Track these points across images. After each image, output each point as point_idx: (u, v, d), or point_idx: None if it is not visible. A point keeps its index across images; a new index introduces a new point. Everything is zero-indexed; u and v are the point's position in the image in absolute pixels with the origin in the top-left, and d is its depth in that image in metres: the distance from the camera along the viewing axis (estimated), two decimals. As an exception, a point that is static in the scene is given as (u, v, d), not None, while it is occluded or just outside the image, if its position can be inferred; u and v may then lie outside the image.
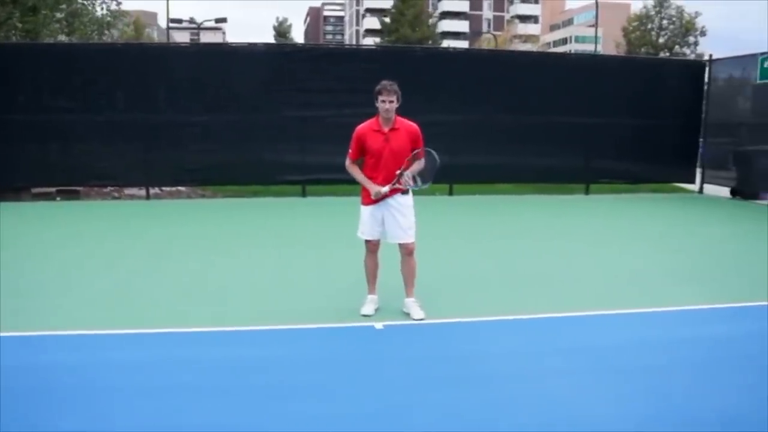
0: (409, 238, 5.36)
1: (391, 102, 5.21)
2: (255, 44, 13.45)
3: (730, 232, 10.27)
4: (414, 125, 5.38)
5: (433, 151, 5.38)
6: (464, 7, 78.13)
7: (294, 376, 4.13)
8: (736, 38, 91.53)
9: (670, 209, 12.72)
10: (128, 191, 13.10)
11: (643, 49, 54.84)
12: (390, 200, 5.32)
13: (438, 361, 4.43)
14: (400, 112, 5.35)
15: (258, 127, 12.63)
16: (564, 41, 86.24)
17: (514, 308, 5.61)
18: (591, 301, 5.95)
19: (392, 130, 5.31)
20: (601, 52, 54.73)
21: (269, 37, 63.22)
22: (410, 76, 13.03)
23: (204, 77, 12.53)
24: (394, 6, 52.90)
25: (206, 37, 58.68)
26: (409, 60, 13.53)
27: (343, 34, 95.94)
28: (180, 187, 13.29)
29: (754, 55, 13.67)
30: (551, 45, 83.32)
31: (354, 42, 76.65)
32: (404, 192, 5.36)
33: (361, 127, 5.41)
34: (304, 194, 13.10)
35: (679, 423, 3.60)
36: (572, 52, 69.41)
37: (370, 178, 5.32)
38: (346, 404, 3.77)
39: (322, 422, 3.54)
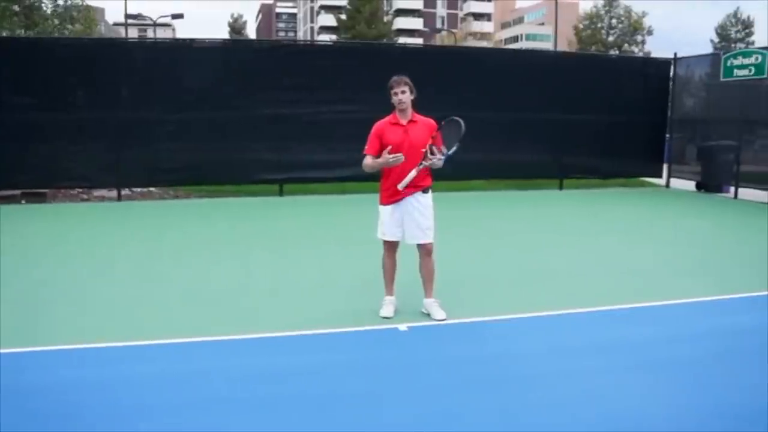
0: (428, 239, 5.30)
1: (404, 92, 5.15)
2: (230, 41, 13.25)
3: (711, 224, 10.59)
4: (431, 120, 5.32)
5: (456, 118, 5.22)
6: (418, 4, 78.39)
7: (333, 384, 4.03)
8: (676, 37, 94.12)
9: (647, 203, 13.01)
10: (97, 193, 12.69)
11: (593, 48, 56.02)
12: (410, 199, 5.24)
13: (473, 362, 4.39)
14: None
15: (234, 125, 12.36)
16: (515, 39, 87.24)
17: (530, 305, 5.61)
18: (602, 295, 6.02)
19: (410, 122, 5.25)
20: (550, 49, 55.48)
21: (224, 34, 62.22)
22: (387, 73, 12.97)
23: (177, 74, 12.18)
24: (350, 3, 52.71)
25: (156, 34, 57.38)
26: (385, 57, 13.45)
27: (295, 32, 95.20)
28: (151, 188, 12.94)
29: (717, 54, 14.08)
30: (503, 43, 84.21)
31: (309, 39, 76.20)
32: (424, 191, 5.30)
33: (379, 123, 5.33)
34: (281, 193, 12.91)
35: (720, 413, 3.66)
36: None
37: (389, 173, 5.22)
38: (397, 410, 3.69)
39: (379, 428, 3.47)
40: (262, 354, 4.55)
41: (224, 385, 3.97)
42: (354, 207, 11.80)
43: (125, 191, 12.47)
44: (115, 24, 57.01)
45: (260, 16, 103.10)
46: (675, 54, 15.14)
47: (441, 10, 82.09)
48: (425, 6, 79.28)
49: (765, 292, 6.17)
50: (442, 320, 5.17)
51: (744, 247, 8.71)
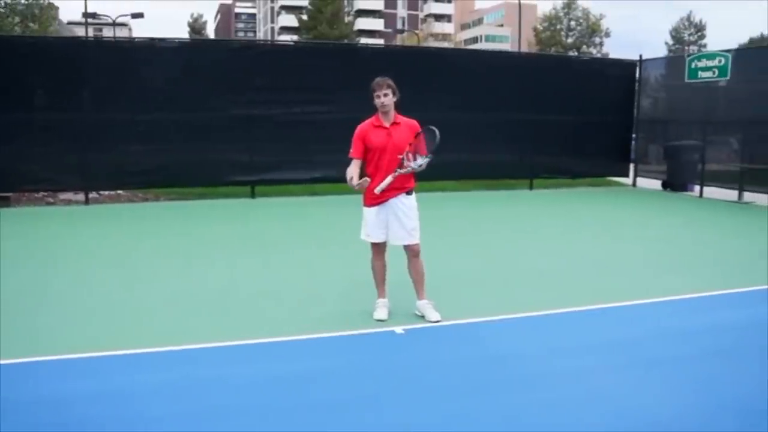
0: (414, 240, 5.27)
1: (386, 95, 5.13)
2: (201, 40, 13.04)
3: (681, 222, 10.80)
4: (413, 121, 5.32)
5: (431, 127, 5.20)
6: (379, 5, 78.42)
7: (333, 390, 3.95)
8: (632, 39, 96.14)
9: (617, 202, 13.26)
10: (63, 196, 12.34)
11: (552, 49, 56.82)
12: (394, 201, 5.22)
13: (473, 364, 4.37)
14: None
15: (204, 126, 12.14)
16: (475, 40, 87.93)
17: (521, 305, 5.62)
18: (590, 294, 6.05)
19: (394, 125, 5.23)
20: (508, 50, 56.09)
21: (183, 34, 61.33)
22: (359, 73, 12.91)
23: (147, 74, 11.93)
24: (312, 3, 52.51)
25: (110, 33, 56.28)
26: (357, 58, 13.42)
27: (255, 32, 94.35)
28: (119, 191, 12.65)
29: (682, 56, 14.36)
30: (463, 44, 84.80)
31: (280, 40, 75.62)
32: (408, 192, 5.28)
33: (361, 126, 5.31)
34: (253, 195, 12.75)
35: (723, 409, 3.71)
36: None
37: (372, 175, 5.20)
38: (402, 414, 3.64)
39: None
40: (257, 361, 4.45)
41: (221, 393, 3.86)
42: (329, 208, 11.76)
43: (92, 194, 12.16)
44: (70, 23, 55.63)
45: (219, 16, 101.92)
46: (640, 56, 15.42)
47: (402, 11, 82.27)
48: (386, 7, 79.37)
49: (746, 289, 6.33)
50: (437, 321, 5.14)
51: (716, 245, 8.92)
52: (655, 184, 15.20)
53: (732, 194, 13.16)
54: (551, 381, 4.10)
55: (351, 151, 5.31)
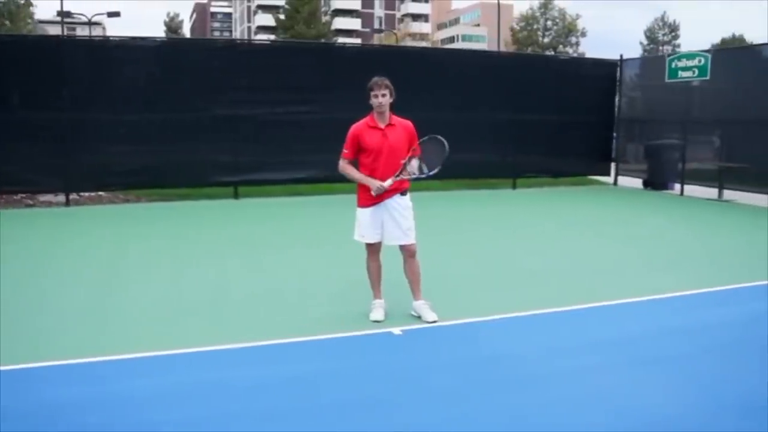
0: (410, 240, 5.25)
1: (384, 95, 5.11)
2: (184, 39, 12.88)
3: (665, 220, 10.86)
4: (408, 122, 5.30)
5: (440, 137, 5.25)
6: (356, 5, 78.30)
7: (334, 393, 3.91)
8: (608, 39, 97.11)
9: (600, 201, 13.35)
10: (43, 198, 12.11)
11: (529, 49, 57.22)
12: (389, 201, 5.20)
13: (474, 364, 4.36)
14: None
15: (187, 126, 12.01)
16: (451, 39, 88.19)
17: (516, 305, 5.61)
18: (585, 293, 6.06)
19: (389, 126, 5.21)
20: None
21: (160, 33, 60.71)
22: (342, 73, 12.91)
23: (128, 73, 11.75)
24: (289, 3, 52.30)
25: (84, 32, 55.57)
26: (340, 58, 13.38)
27: (231, 31, 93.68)
28: (100, 192, 12.46)
29: (662, 56, 14.51)
30: (440, 43, 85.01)
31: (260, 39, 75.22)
32: (403, 193, 5.26)
33: (356, 126, 5.27)
34: (236, 196, 12.63)
35: (727, 406, 3.74)
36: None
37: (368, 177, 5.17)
38: (407, 416, 3.62)
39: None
40: (256, 364, 4.38)
41: (222, 397, 3.80)
42: (314, 209, 11.69)
43: (72, 196, 11.95)
44: (41, 22, 54.80)
45: (194, 15, 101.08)
46: (621, 56, 15.55)
47: (379, 11, 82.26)
48: (363, 6, 79.31)
49: (736, 286, 6.39)
50: (434, 322, 5.12)
51: (702, 243, 9.02)
52: (636, 182, 15.32)
53: (712, 192, 13.31)
54: (553, 381, 4.10)
55: (344, 151, 5.25)
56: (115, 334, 4.89)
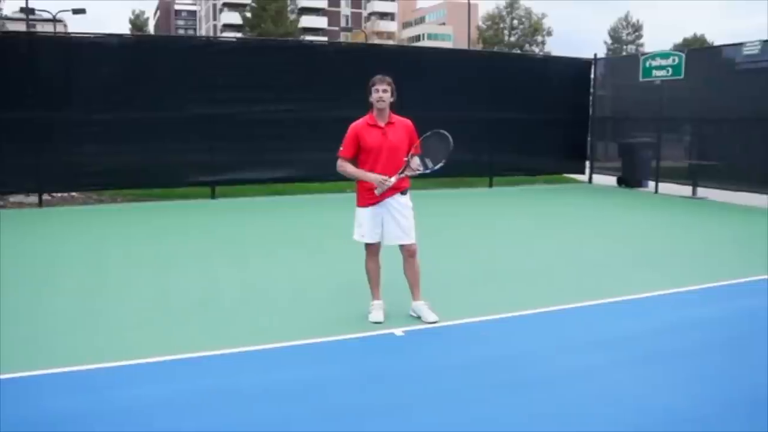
0: (410, 239, 5.20)
1: (385, 92, 5.05)
2: (160, 36, 12.62)
3: (643, 218, 10.99)
4: (408, 120, 5.25)
5: (443, 131, 5.20)
6: (322, 3, 77.92)
7: (342, 397, 3.83)
8: (574, 38, 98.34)
9: (577, 199, 13.45)
10: (14, 198, 11.75)
11: (496, 48, 57.62)
12: (389, 200, 5.13)
13: (481, 365, 4.31)
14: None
15: (163, 125, 11.77)
16: (417, 38, 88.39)
17: (513, 304, 5.60)
18: (579, 291, 6.06)
19: (389, 124, 5.15)
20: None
21: (124, 31, 59.65)
22: (320, 72, 12.82)
23: (103, 71, 11.46)
24: (255, 1, 51.94)
25: (45, 29, 54.28)
26: (318, 56, 13.25)
27: (195, 29, 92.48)
28: (73, 193, 12.16)
29: (636, 55, 14.69)
30: (406, 42, 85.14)
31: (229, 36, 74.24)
32: (403, 192, 5.20)
33: (355, 124, 5.19)
34: (213, 196, 12.44)
35: (735, 400, 3.76)
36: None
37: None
38: (421, 420, 3.56)
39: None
40: (258, 370, 4.25)
41: (230, 406, 3.68)
42: (295, 209, 11.57)
43: (45, 196, 11.64)
44: (3, 18, 53.38)
45: (158, 12, 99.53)
46: (595, 55, 15.72)
47: (345, 9, 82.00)
48: (329, 5, 78.99)
49: (726, 282, 6.48)
50: (434, 322, 5.07)
51: (682, 240, 9.13)
52: (610, 180, 15.51)
53: (686, 190, 13.52)
54: (563, 381, 4.07)
55: (341, 149, 5.17)
56: (108, 341, 4.72)
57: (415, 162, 5.13)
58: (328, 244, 8.44)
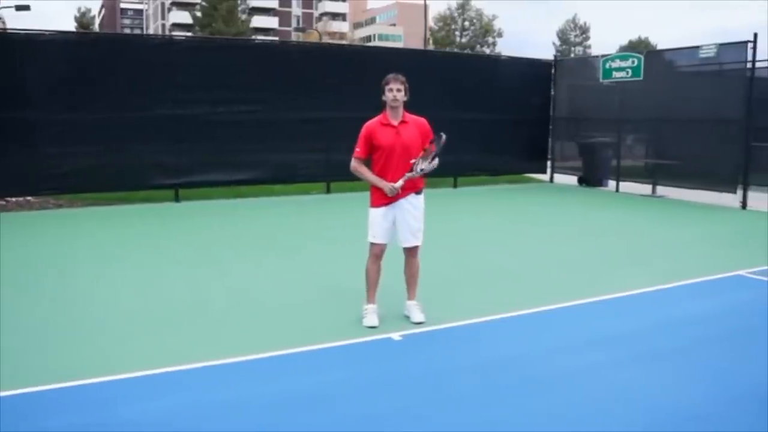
0: (417, 242, 5.19)
1: (399, 90, 4.99)
2: (122, 35, 12.23)
3: (609, 216, 11.20)
4: (422, 119, 5.18)
5: (441, 134, 5.12)
6: (273, 3, 77.15)
7: (360, 404, 3.77)
8: (524, 39, 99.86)
9: (542, 198, 13.56)
10: (-36, 204, 11.25)
11: (447, 48, 57.99)
12: (403, 201, 5.09)
13: (481, 368, 4.29)
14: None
15: (125, 126, 11.39)
16: (368, 39, 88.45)
17: (503, 305, 5.60)
18: (564, 290, 6.09)
19: (402, 123, 5.08)
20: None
21: (70, 29, 57.92)
22: (284, 72, 12.64)
23: (60, 70, 11.02)
24: (206, 0, 51.19)
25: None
26: (283, 56, 13.09)
27: (142, 29, 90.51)
28: (29, 197, 11.70)
29: (596, 57, 14.95)
30: (357, 43, 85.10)
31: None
32: (418, 192, 5.14)
33: (369, 124, 5.12)
34: (177, 199, 12.13)
35: (738, 394, 3.83)
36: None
37: (381, 176, 5.04)
38: (445, 424, 3.51)
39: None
40: (258, 380, 4.12)
41: (236, 418, 3.56)
42: (260, 211, 11.37)
43: (-1, 201, 11.17)
44: None
45: (103, 11, 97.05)
46: (555, 56, 15.93)
47: (296, 9, 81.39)
48: (280, 5, 78.30)
49: (704, 279, 6.64)
50: (420, 323, 5.07)
51: (652, 238, 9.31)
52: (571, 180, 15.74)
53: (646, 188, 13.82)
54: (567, 381, 4.09)
55: (357, 150, 5.09)
56: (92, 354, 4.51)
57: (426, 161, 5.01)
58: (304, 247, 8.31)
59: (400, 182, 4.96)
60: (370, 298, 5.20)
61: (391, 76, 5.03)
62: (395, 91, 4.96)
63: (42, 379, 3.97)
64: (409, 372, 4.24)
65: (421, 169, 5.00)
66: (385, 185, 4.97)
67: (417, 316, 5.13)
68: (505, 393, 3.93)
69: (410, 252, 5.21)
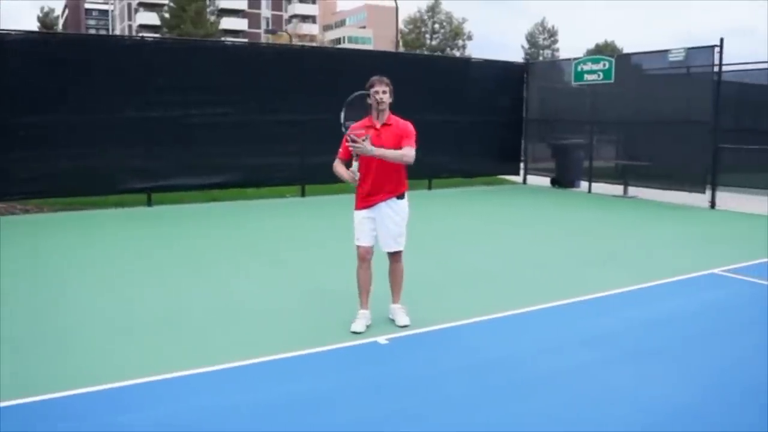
0: (399, 247, 5.16)
1: (384, 93, 4.97)
2: (92, 36, 12.01)
3: (584, 217, 11.30)
4: (407, 122, 5.13)
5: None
6: (242, 5, 76.54)
7: (352, 409, 3.73)
8: (494, 42, 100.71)
9: (516, 200, 13.73)
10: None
11: (417, 51, 58.15)
12: (383, 205, 5.06)
13: (470, 371, 4.29)
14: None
15: (96, 129, 11.20)
16: (338, 41, 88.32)
17: (488, 306, 5.62)
18: (546, 291, 6.13)
19: (385, 125, 5.03)
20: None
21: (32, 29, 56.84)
22: (257, 74, 12.54)
23: (27, 71, 10.76)
24: (174, 1, 50.61)
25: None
26: (257, 58, 12.99)
27: (107, 29, 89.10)
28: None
29: (569, 60, 15.11)
30: (327, 45, 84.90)
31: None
32: (400, 196, 5.11)
33: (353, 125, 5.06)
34: (149, 203, 11.96)
35: (728, 391, 3.89)
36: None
37: (364, 177, 5.01)
38: (443, 428, 3.50)
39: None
40: (246, 387, 4.06)
41: (230, 425, 3.52)
42: (237, 216, 11.23)
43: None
44: None
45: (66, 11, 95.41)
46: (527, 58, 16.06)
47: (266, 12, 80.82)
48: (250, 7, 77.72)
49: (680, 277, 6.74)
50: (405, 326, 5.05)
51: (626, 238, 9.42)
52: (544, 181, 15.89)
53: (617, 189, 14.01)
54: (557, 381, 4.10)
55: (339, 150, 5.07)
56: (75, 365, 4.39)
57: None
58: (283, 251, 8.25)
59: (354, 167, 4.92)
60: (363, 304, 5.16)
61: (375, 78, 5.00)
62: (380, 93, 4.94)
63: (13, 393, 3.86)
64: (399, 376, 4.22)
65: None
66: (343, 174, 5.00)
67: (402, 319, 5.12)
68: (498, 394, 3.93)
69: (393, 257, 5.19)
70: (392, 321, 5.16)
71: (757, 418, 3.60)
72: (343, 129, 4.93)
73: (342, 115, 4.93)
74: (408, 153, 4.92)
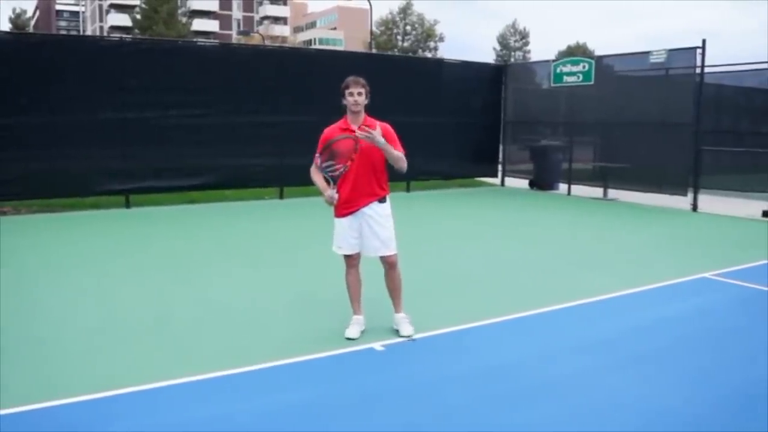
0: (390, 251, 4.98)
1: (360, 94, 4.81)
2: (70, 36, 11.75)
3: (566, 220, 11.30)
4: (386, 124, 5.00)
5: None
6: (214, 6, 75.87)
7: (351, 419, 3.63)
8: (466, 43, 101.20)
9: (497, 202, 13.74)
10: None
11: (389, 53, 58.17)
12: (366, 210, 4.92)
13: (473, 378, 4.20)
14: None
15: (72, 130, 10.96)
16: (309, 43, 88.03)
17: (478, 312, 5.54)
18: (536, 296, 6.10)
19: (364, 128, 4.90)
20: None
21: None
22: (235, 75, 12.37)
23: (2, 72, 10.52)
24: (147, 3, 50.05)
25: None
26: (235, 59, 12.82)
27: (79, 31, 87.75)
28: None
29: (547, 62, 15.16)
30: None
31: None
32: (381, 200, 5.00)
33: (328, 129, 4.96)
34: (128, 205, 11.71)
35: (724, 395, 3.87)
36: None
37: (342, 183, 4.85)
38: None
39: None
40: (241, 396, 3.93)
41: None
42: (217, 218, 11.04)
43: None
44: None
45: (37, 12, 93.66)
46: (506, 60, 16.11)
47: (237, 13, 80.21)
48: (221, 8, 77.09)
49: (670, 282, 6.74)
50: (409, 336, 4.90)
51: (611, 241, 9.43)
52: (522, 183, 15.91)
53: (597, 191, 14.05)
54: (558, 388, 4.04)
55: (316, 155, 4.92)
56: (56, 374, 4.22)
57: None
58: (268, 254, 8.11)
59: (331, 191, 4.77)
60: (356, 310, 5.05)
61: (350, 79, 4.85)
62: (356, 95, 4.79)
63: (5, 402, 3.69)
64: (397, 383, 4.13)
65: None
66: (325, 191, 4.80)
67: (406, 329, 4.96)
68: (499, 403, 3.85)
69: (387, 263, 5.02)
70: (396, 331, 4.99)
71: (754, 422, 3.58)
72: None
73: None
74: (404, 159, 4.87)
